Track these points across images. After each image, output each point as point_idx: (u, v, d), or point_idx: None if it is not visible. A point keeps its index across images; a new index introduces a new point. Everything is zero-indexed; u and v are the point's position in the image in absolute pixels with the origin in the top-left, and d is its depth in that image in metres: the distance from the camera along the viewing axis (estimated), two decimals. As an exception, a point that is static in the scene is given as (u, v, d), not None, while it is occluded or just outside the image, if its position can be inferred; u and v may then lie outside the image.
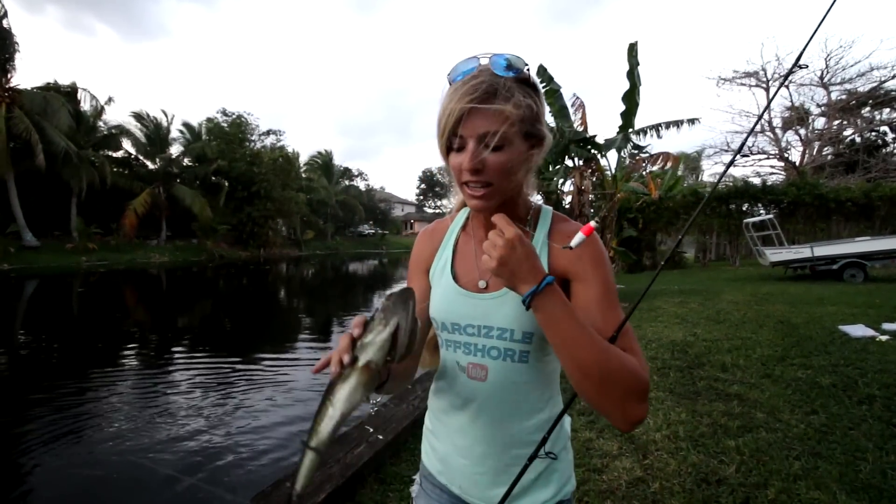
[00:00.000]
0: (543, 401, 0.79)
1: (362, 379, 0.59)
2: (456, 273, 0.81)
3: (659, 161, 9.26)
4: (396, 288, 0.63)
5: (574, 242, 0.64)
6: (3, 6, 17.68)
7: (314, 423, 0.61)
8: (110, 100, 22.43)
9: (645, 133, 8.26)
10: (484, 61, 0.68)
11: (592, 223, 0.62)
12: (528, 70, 0.69)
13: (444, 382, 0.82)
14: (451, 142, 0.67)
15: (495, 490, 0.77)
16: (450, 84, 0.69)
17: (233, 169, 26.14)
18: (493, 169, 0.66)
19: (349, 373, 0.59)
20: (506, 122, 0.64)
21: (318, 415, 0.61)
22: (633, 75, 7.64)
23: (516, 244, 0.61)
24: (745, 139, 1.00)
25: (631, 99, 7.80)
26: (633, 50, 7.59)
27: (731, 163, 0.94)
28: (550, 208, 0.81)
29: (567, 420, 0.83)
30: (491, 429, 0.77)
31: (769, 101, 1.14)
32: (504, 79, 0.66)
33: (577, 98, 8.85)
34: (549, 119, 8.50)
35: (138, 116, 24.43)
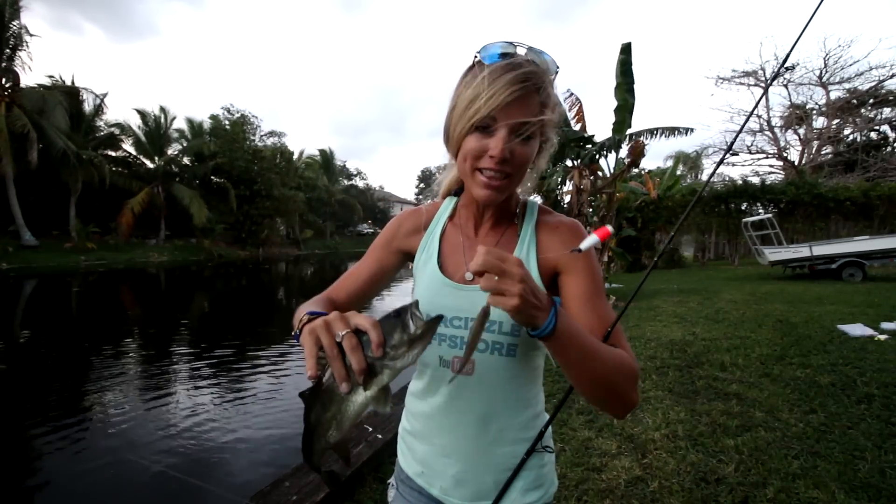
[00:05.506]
0: (530, 397, 0.78)
1: (379, 397, 0.50)
2: (443, 264, 0.79)
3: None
4: (409, 299, 0.56)
5: (584, 245, 0.60)
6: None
7: (311, 442, 0.53)
8: (103, 98, 22.37)
9: (643, 137, 8.22)
10: (521, 51, 0.66)
11: (609, 227, 0.59)
12: (557, 73, 0.69)
13: (426, 380, 0.80)
14: (483, 122, 0.64)
15: (481, 490, 0.76)
16: (477, 61, 0.67)
17: (234, 167, 26.09)
18: (519, 160, 0.66)
19: (361, 387, 0.49)
20: (540, 119, 0.65)
21: (315, 429, 0.53)
22: (627, 73, 7.63)
23: (524, 269, 0.52)
24: (735, 138, 1.00)
25: (626, 97, 7.79)
26: (626, 49, 7.58)
27: (721, 161, 0.94)
28: (536, 201, 0.82)
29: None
30: (478, 425, 0.74)
31: (756, 104, 1.12)
32: (548, 77, 0.66)
33: (572, 94, 8.60)
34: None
35: (141, 113, 24.34)
